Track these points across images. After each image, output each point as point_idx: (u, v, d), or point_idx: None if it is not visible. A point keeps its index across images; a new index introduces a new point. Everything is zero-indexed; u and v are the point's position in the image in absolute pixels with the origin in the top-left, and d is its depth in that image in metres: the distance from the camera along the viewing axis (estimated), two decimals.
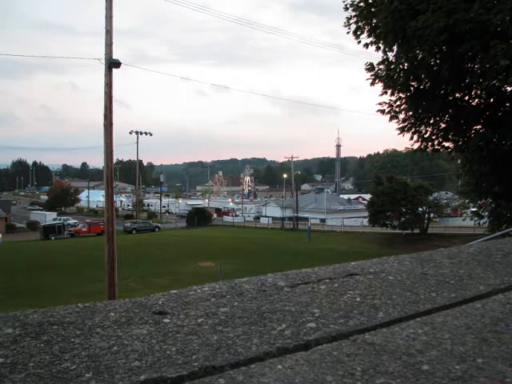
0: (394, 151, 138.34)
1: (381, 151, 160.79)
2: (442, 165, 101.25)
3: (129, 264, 26.04)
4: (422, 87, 11.57)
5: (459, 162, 14.73)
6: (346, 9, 11.64)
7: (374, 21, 11.27)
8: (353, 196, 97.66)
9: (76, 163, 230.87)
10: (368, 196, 58.39)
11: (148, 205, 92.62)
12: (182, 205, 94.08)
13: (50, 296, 20.63)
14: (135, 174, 77.66)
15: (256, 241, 44.91)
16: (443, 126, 12.29)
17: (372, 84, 11.81)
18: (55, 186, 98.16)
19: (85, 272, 26.86)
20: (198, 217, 64.57)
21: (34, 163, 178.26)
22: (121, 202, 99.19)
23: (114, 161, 14.45)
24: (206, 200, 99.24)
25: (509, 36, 8.85)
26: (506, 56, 8.64)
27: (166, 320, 1.37)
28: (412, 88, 11.65)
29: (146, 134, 67.66)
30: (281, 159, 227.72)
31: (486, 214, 14.24)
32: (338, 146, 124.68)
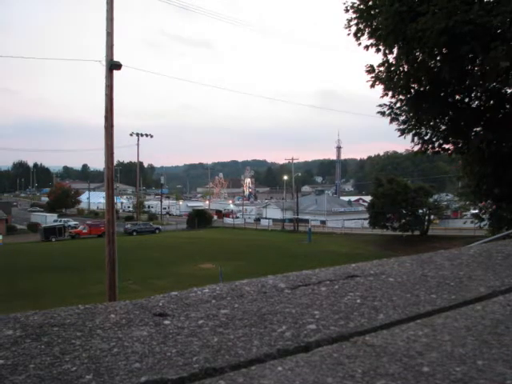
0: (395, 153, 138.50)
1: (381, 153, 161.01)
2: (443, 167, 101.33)
3: (129, 266, 26.04)
4: (422, 89, 11.57)
5: (460, 163, 14.72)
6: (347, 11, 11.65)
7: (375, 23, 11.28)
8: (353, 198, 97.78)
9: (77, 165, 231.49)
10: (368, 198, 58.36)
11: (149, 206, 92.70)
12: (182, 206, 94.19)
13: (50, 298, 20.61)
14: (136, 175, 77.71)
15: (256, 242, 44.90)
16: (443, 127, 12.29)
17: (372, 86, 11.82)
18: (56, 187, 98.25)
19: (85, 274, 26.84)
20: (199, 219, 64.62)
21: (35, 165, 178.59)
22: (121, 203, 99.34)
23: (115, 162, 14.47)
24: (207, 202, 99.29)
25: (509, 38, 8.86)
26: (507, 58, 8.65)
27: (167, 322, 1.37)
28: (412, 90, 11.66)
29: (146, 135, 67.74)
30: (281, 161, 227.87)
31: (487, 215, 14.24)
32: (339, 148, 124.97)
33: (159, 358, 1.12)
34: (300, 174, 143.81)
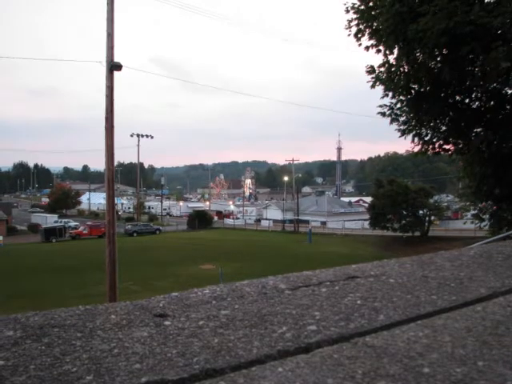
0: (395, 154, 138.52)
1: (381, 154, 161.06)
2: (443, 167, 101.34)
3: (130, 266, 26.04)
4: (422, 90, 11.57)
5: (460, 163, 14.72)
6: (347, 11, 11.66)
7: (375, 23, 11.29)
8: (354, 199, 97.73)
9: (77, 165, 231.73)
10: (369, 199, 58.35)
11: (149, 207, 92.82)
12: (182, 207, 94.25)
13: (50, 298, 20.61)
14: (136, 176, 77.76)
15: (257, 243, 44.91)
16: (444, 128, 12.29)
17: (372, 87, 11.82)
18: (56, 188, 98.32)
19: (86, 274, 26.85)
20: (199, 219, 64.63)
21: (36, 166, 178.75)
22: (122, 204, 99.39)
23: (115, 163, 14.47)
24: (207, 202, 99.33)
25: (509, 38, 8.86)
26: (507, 58, 8.65)
27: (167, 322, 1.37)
28: (413, 90, 11.66)
29: (147, 136, 67.80)
30: (282, 162, 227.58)
31: (487, 216, 14.23)
32: (339, 149, 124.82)
33: (160, 358, 1.12)
34: (300, 175, 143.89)
